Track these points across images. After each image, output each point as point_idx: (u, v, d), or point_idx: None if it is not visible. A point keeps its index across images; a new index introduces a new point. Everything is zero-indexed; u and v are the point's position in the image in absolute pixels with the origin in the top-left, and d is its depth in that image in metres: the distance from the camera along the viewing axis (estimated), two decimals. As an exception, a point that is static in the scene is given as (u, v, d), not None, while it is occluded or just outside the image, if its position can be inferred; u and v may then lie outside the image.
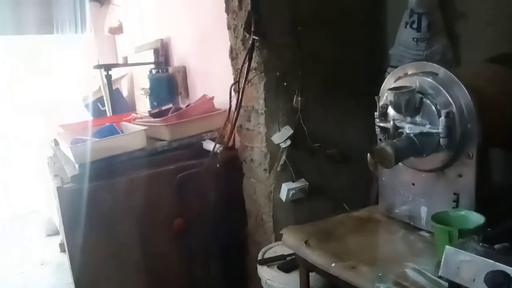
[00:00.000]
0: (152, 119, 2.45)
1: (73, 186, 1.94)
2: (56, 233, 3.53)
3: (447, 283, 0.96)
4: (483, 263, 0.89)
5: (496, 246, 0.94)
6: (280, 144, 1.89)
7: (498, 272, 0.86)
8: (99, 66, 3.44)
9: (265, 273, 1.69)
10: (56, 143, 2.68)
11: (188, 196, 2.11)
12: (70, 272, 1.99)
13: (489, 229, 1.03)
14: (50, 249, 3.37)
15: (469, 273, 0.91)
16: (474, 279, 0.90)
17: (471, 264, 0.91)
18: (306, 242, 1.28)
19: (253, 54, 1.86)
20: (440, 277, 0.98)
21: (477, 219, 1.08)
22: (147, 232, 2.04)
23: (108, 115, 3.44)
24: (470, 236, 1.00)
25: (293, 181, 1.91)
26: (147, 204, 2.02)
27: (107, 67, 3.39)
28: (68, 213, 1.92)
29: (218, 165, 2.12)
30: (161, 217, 2.07)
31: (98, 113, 3.67)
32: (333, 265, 1.15)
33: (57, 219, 2.77)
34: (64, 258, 2.35)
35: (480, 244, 0.95)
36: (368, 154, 1.33)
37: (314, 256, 1.23)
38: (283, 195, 1.89)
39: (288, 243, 1.36)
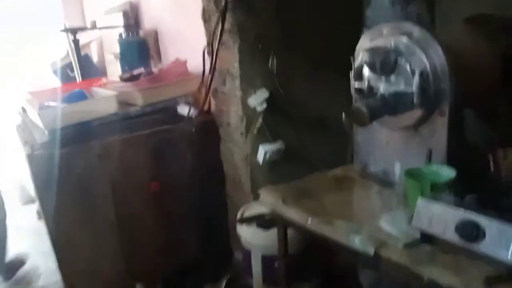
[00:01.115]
0: (123, 84, 2.38)
1: (44, 152, 1.89)
2: (32, 201, 3.46)
3: (419, 234, 1.00)
4: (453, 213, 0.93)
5: (466, 197, 0.98)
6: (256, 107, 1.88)
7: (468, 221, 0.90)
8: (65, 30, 3.29)
9: (244, 231, 1.72)
10: (24, 110, 2.59)
11: (164, 160, 2.09)
12: (48, 238, 1.98)
13: (459, 182, 1.07)
14: (27, 217, 3.31)
15: (440, 223, 0.95)
16: (445, 229, 0.94)
17: (442, 215, 0.95)
18: (283, 200, 1.30)
19: (226, 16, 1.81)
20: (412, 228, 1.02)
21: (448, 173, 1.11)
22: (122, 196, 2.02)
23: (77, 81, 3.33)
24: (441, 190, 1.04)
25: (270, 142, 1.91)
26: (121, 169, 2.00)
27: (74, 31, 3.25)
28: (41, 180, 1.88)
29: (193, 130, 2.10)
30: (137, 182, 2.06)
31: (67, 79, 3.54)
32: (309, 220, 1.18)
33: (31, 187, 2.72)
34: (42, 225, 2.34)
35: (451, 196, 0.99)
36: (343, 114, 1.34)
37: (291, 213, 1.26)
38: (260, 157, 1.90)
39: (266, 202, 1.38)
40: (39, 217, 3.15)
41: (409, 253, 0.97)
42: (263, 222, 1.68)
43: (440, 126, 1.20)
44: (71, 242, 1.94)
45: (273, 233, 1.47)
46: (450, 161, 1.17)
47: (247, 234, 1.72)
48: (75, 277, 1.98)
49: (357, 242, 1.04)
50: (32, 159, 1.88)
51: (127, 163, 2.02)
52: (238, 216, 1.81)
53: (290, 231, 1.38)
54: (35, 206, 3.26)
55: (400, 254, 0.98)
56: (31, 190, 3.04)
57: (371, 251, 1.01)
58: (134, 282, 2.07)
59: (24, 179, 3.04)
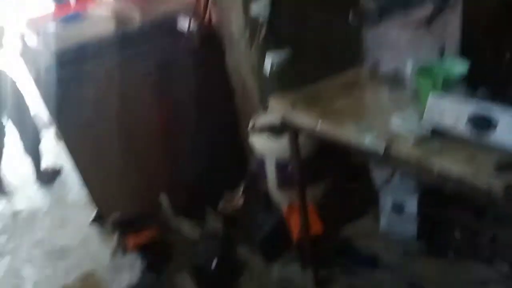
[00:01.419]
0: (119, 1, 2.29)
1: (49, 77, 1.88)
2: (47, 126, 3.51)
3: (429, 130, 1.00)
4: (465, 105, 0.92)
5: (479, 90, 0.96)
6: (259, 14, 1.79)
7: (479, 112, 0.90)
8: None
9: (256, 140, 1.75)
10: (24, 36, 2.53)
11: (169, 78, 2.07)
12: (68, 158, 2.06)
13: (472, 75, 1.04)
14: (46, 141, 3.37)
15: (451, 116, 0.95)
16: (456, 122, 0.94)
17: (453, 108, 0.94)
18: (292, 107, 1.29)
19: None
20: (423, 125, 1.01)
21: (460, 68, 1.07)
22: (131, 117, 2.04)
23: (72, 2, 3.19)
24: (453, 85, 1.02)
25: (277, 51, 1.85)
26: (127, 88, 1.99)
27: None
28: (51, 102, 1.90)
29: (196, 44, 2.04)
30: (144, 99, 2.06)
31: (61, 1, 3.39)
32: (319, 124, 1.18)
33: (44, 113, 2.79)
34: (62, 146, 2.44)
35: (464, 88, 0.97)
36: (351, 12, 1.28)
37: (301, 118, 1.26)
38: (267, 66, 1.86)
39: (276, 109, 1.37)
40: (58, 138, 3.24)
41: (420, 147, 0.98)
42: (274, 129, 1.70)
43: (453, 18, 1.14)
44: (91, 160, 2.01)
45: (284, 140, 1.49)
46: (463, 54, 1.13)
47: (260, 142, 1.75)
48: (100, 192, 2.10)
49: (368, 140, 1.05)
50: (39, 83, 1.88)
51: (131, 84, 2.00)
52: (250, 125, 1.82)
53: (301, 138, 1.39)
54: (51, 130, 3.33)
55: (411, 149, 0.99)
56: (45, 116, 3.10)
57: (381, 148, 1.02)
58: (157, 194, 2.17)
59: (36, 106, 3.07)
